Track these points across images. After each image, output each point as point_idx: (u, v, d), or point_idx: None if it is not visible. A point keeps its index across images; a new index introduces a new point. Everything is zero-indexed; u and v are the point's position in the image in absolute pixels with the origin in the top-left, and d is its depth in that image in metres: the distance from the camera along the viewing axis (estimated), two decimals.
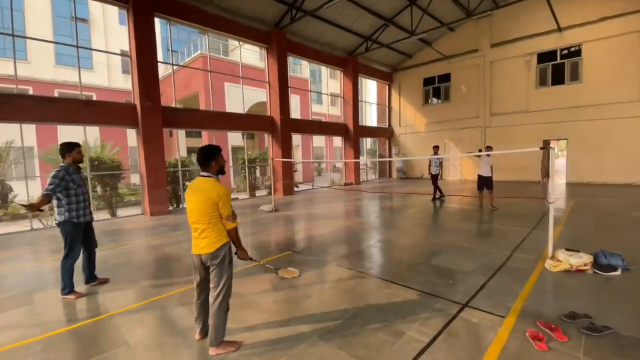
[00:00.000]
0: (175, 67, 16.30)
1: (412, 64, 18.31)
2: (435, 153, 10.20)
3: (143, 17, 8.89)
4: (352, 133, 16.20)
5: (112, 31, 20.50)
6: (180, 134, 20.36)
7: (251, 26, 11.83)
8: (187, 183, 11.54)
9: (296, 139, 22.85)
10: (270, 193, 13.16)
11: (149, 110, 9.05)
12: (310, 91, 23.50)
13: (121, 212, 10.00)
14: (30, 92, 16.82)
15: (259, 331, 2.92)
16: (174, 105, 10.59)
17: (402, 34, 14.58)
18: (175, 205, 10.81)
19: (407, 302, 3.36)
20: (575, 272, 3.94)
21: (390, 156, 19.78)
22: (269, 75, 12.68)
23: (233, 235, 2.65)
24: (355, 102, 16.17)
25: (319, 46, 14.50)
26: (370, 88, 25.49)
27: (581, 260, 4.00)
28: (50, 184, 3.42)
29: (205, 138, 18.04)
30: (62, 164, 3.58)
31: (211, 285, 2.62)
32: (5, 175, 12.38)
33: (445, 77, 17.32)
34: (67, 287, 3.60)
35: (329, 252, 5.23)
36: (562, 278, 3.84)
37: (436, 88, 17.87)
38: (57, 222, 3.57)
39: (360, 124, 16.96)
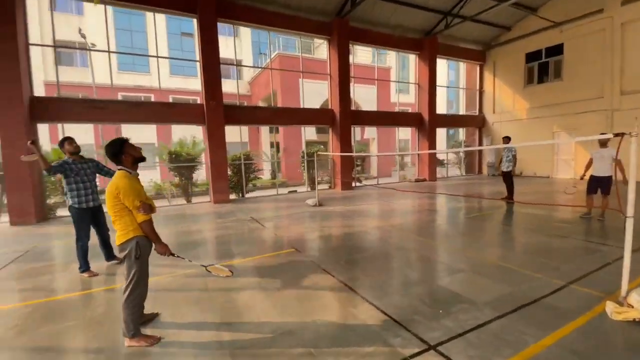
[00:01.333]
0: (259, 68, 17.60)
1: (511, 38, 15.15)
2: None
3: (208, 25, 9.79)
4: (427, 123, 14.53)
5: None
6: (264, 130, 22.12)
7: (311, 19, 11.73)
8: (251, 175, 12.43)
9: (372, 131, 22.04)
10: (330, 187, 13.06)
11: (213, 109, 9.99)
12: (381, 80, 22.06)
13: (196, 199, 11.43)
14: (152, 99, 20.95)
15: (187, 330, 2.81)
16: (260, 105, 11.42)
17: (491, 1, 12.16)
18: (240, 195, 11.76)
19: (360, 327, 2.71)
20: None
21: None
22: (330, 66, 12.39)
23: (145, 229, 2.57)
24: (432, 88, 14.41)
25: (389, 29, 13.38)
26: (454, 71, 22.40)
27: None
28: (55, 162, 4.06)
29: (282, 134, 19.06)
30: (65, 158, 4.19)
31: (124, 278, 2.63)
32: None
33: (556, 50, 13.73)
34: (82, 266, 4.21)
35: (330, 255, 4.75)
36: (625, 331, 2.48)
37: (543, 64, 14.36)
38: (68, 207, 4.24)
39: (443, 112, 15.07)
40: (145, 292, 2.71)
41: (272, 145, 21.94)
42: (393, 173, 20.52)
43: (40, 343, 2.69)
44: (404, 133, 24.59)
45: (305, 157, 13.23)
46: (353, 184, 13.39)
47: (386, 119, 14.60)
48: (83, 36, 15.04)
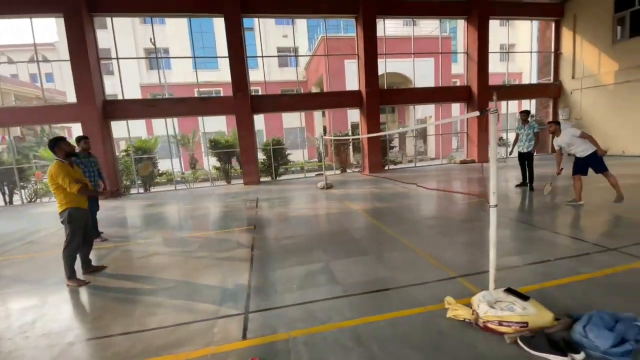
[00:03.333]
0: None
1: None
2: (525, 121, 6.99)
3: (233, 23, 10.66)
4: (476, 97, 12.91)
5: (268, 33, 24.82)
6: (317, 114, 22.69)
7: None
8: (282, 159, 13.28)
9: (425, 109, 20.41)
10: (360, 171, 13.01)
11: (240, 100, 11.02)
12: (421, 53, 19.76)
13: (235, 181, 12.90)
14: (222, 93, 23.44)
15: (116, 280, 3.70)
16: (313, 91, 12.15)
17: None
18: (273, 177, 12.78)
19: (219, 289, 3.15)
20: (483, 328, 2.26)
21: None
22: (357, 45, 12.06)
23: (82, 193, 3.56)
24: (482, 57, 12.64)
25: None
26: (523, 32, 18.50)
27: (501, 314, 2.22)
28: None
29: (327, 118, 19.34)
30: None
31: None
32: (193, 150, 18.48)
33: None
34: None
35: (274, 233, 5.15)
36: (451, 328, 2.32)
37: (637, 12, 11.04)
38: None
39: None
40: (77, 247, 3.67)
41: (324, 130, 22.47)
42: (455, 153, 18.83)
43: None
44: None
45: (332, 141, 13.38)
46: (386, 167, 13.04)
47: (424, 95, 13.47)
48: (153, 44, 17.84)
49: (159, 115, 11.23)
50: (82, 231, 3.68)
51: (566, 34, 13.55)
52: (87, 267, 3.91)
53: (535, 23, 14.63)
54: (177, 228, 6.05)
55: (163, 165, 13.65)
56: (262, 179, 12.44)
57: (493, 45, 21.80)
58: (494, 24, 14.16)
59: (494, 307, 2.29)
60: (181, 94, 18.38)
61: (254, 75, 23.49)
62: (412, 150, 17.08)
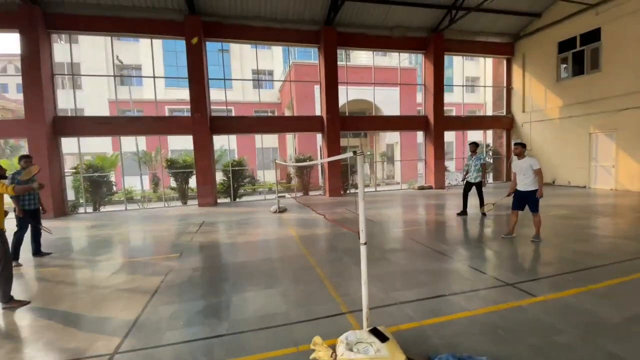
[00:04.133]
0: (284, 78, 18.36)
1: (541, 26, 13.09)
2: (473, 152, 7.30)
3: (196, 49, 10.72)
4: (432, 127, 13.47)
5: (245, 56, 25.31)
6: (289, 137, 22.89)
7: (300, 29, 11.96)
8: (243, 181, 13.11)
9: (392, 136, 21.09)
10: (323, 193, 13.03)
11: (198, 121, 10.95)
12: (380, 84, 20.77)
13: (191, 202, 12.58)
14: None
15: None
16: (286, 113, 12.21)
17: None
18: (232, 199, 12.57)
19: (109, 320, 2.97)
20: None
21: (509, 153, 14.98)
22: (320, 72, 12.44)
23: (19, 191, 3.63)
24: (438, 89, 13.32)
25: (387, 31, 12.80)
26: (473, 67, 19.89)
27: (355, 357, 2.20)
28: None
29: (297, 140, 19.50)
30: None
31: None
32: (156, 169, 18.05)
33: (592, 36, 11.46)
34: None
35: (196, 262, 4.99)
36: None
37: (578, 54, 12.09)
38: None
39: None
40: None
41: (295, 151, 22.66)
42: (419, 179, 19.33)
43: None
44: (449, 137, 22.79)
45: (293, 164, 13.46)
46: (348, 191, 13.18)
47: (384, 123, 13.94)
48: (120, 61, 17.76)
49: (113, 133, 10.97)
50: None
51: (516, 71, 14.57)
52: None
53: (490, 59, 15.69)
54: (99, 253, 5.75)
55: (129, 182, 13.19)
56: (220, 201, 12.23)
57: (458, 77, 23.19)
58: (461, 60, 15.14)
59: (352, 350, 2.27)
60: (151, 112, 18.15)
61: (230, 95, 23.83)
62: (381, 174, 17.44)
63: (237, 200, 12.66)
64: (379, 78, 15.83)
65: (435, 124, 13.38)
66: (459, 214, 7.54)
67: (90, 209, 11.31)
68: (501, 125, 15.08)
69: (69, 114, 13.19)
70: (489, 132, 16.08)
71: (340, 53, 21.53)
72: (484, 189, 7.36)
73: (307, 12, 11.55)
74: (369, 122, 13.83)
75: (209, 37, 11.18)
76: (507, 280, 3.71)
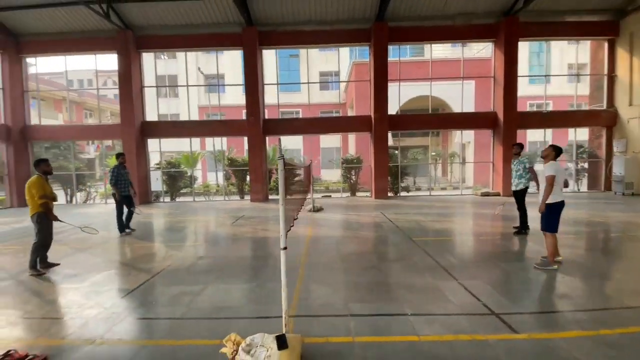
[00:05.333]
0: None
1: None
2: (517, 155, 6.17)
3: (250, 54, 11.71)
4: (501, 124, 11.80)
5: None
6: (351, 137, 22.82)
7: (350, 28, 11.88)
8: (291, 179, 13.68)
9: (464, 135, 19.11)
10: (371, 195, 12.75)
11: (252, 124, 11.90)
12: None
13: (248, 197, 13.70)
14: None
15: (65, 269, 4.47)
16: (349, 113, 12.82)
17: None
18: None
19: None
20: None
21: (610, 155, 12.13)
22: (370, 71, 12.13)
23: (43, 208, 4.44)
24: (509, 80, 11.59)
25: (447, 20, 11.71)
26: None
27: (245, 358, 2.23)
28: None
29: (355, 140, 19.32)
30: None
31: None
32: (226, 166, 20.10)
33: None
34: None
35: (202, 252, 5.51)
36: None
37: None
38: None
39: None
40: (45, 247, 4.57)
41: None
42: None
43: None
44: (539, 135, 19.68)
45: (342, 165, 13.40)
46: (398, 194, 12.60)
47: (441, 121, 12.76)
48: (201, 72, 20.25)
49: (185, 135, 12.74)
50: (50, 232, 4.57)
51: (622, 55, 11.66)
52: (44, 262, 4.73)
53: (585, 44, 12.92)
54: (152, 236, 6.80)
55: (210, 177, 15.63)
56: (271, 197, 13.04)
57: (560, 65, 19.71)
58: (561, 43, 12.74)
59: (249, 352, 2.30)
60: (232, 115, 20.34)
61: (298, 98, 24.99)
62: (452, 176, 16.10)
63: (288, 197, 13.27)
64: (450, 72, 14.42)
65: (506, 120, 11.69)
66: (515, 233, 6.29)
67: (167, 199, 13.40)
68: (599, 122, 12.28)
69: (169, 119, 15.86)
70: (584, 131, 13.25)
71: (405, 48, 20.64)
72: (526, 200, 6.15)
73: (357, 9, 11.41)
74: (423, 120, 12.87)
75: (263, 44, 12.01)
76: (495, 309, 3.15)
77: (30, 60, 12.88)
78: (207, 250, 5.58)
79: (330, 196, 13.24)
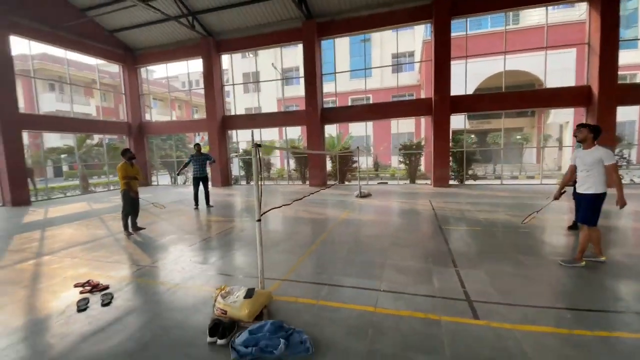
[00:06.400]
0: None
1: None
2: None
3: (308, 47, 12.31)
4: (595, 100, 9.77)
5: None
6: (422, 121, 21.57)
7: (408, 7, 11.30)
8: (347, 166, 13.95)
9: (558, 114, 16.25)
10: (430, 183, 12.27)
11: (310, 113, 12.62)
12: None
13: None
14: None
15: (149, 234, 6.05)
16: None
17: None
18: (339, 182, 13.76)
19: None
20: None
21: None
22: (433, 50, 11.37)
23: (126, 186, 6.03)
24: (606, 46, 9.43)
25: None
26: None
27: (222, 302, 2.90)
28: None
29: (425, 124, 18.28)
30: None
31: None
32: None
33: None
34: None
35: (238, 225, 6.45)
36: (193, 307, 3.18)
37: None
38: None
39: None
40: (128, 215, 6.19)
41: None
42: None
43: None
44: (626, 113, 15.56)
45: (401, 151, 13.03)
46: (464, 181, 11.80)
47: (517, 100, 11.11)
48: (275, 67, 21.71)
49: (257, 126, 14.27)
50: (131, 204, 6.18)
51: None
52: (134, 226, 6.39)
53: None
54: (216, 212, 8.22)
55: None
56: (330, 182, 13.68)
57: None
58: None
59: (225, 298, 2.96)
60: (304, 105, 21.70)
61: (370, 84, 24.74)
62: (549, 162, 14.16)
63: (346, 183, 13.74)
64: (550, 40, 12.22)
65: (601, 96, 9.65)
66: (569, 228, 5.58)
67: (243, 182, 15.37)
68: None
69: (253, 112, 17.98)
70: None
71: (486, 19, 18.38)
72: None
73: None
74: (495, 99, 11.46)
75: (322, 36, 12.46)
76: (474, 297, 3.12)
77: (142, 69, 16.16)
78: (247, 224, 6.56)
79: (386, 183, 13.16)
